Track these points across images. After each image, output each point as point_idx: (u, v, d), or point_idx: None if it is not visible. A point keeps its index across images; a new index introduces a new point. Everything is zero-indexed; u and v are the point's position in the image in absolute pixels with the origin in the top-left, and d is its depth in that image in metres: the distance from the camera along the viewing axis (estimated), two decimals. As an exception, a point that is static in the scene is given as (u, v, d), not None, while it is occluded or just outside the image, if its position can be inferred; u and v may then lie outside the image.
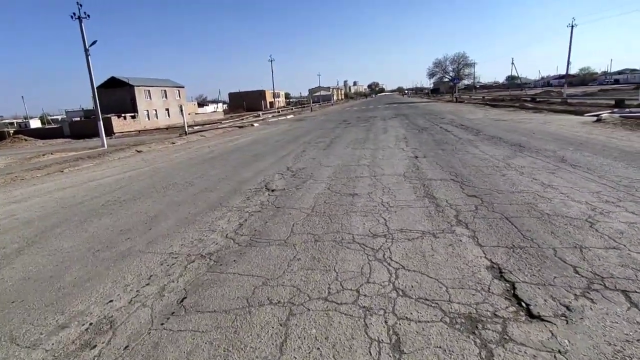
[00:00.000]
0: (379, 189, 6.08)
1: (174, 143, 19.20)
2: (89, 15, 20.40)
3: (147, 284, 3.34)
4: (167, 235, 4.62)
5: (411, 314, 2.59)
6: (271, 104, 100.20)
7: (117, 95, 54.46)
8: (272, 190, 6.55)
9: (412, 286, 2.94)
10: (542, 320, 2.43)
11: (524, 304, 2.62)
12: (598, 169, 6.56)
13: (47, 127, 63.10)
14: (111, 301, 3.10)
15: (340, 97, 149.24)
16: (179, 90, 66.61)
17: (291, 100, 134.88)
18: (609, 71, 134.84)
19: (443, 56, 73.51)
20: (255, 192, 6.53)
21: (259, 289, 3.09)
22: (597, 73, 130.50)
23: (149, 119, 57.34)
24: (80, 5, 19.89)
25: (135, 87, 54.54)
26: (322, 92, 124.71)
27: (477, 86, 55.85)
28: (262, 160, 10.06)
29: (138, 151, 16.90)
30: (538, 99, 40.62)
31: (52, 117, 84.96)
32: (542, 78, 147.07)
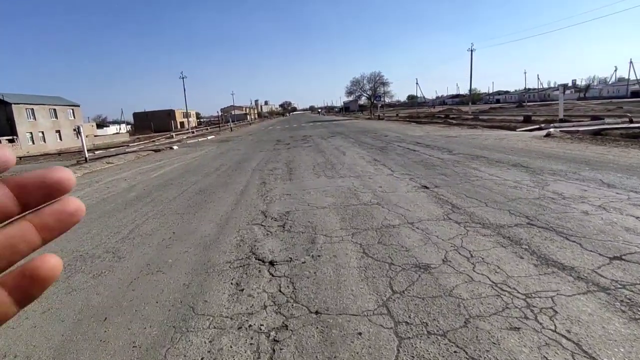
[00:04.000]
0: (449, 250, 3.86)
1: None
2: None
3: None
4: None
5: None
6: (182, 124, 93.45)
7: (-13, 116, 44.72)
8: (272, 264, 3.91)
9: None
10: None
11: None
12: (677, 196, 5.24)
13: None
14: None
15: (254, 117, 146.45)
16: (72, 110, 57.68)
17: (202, 120, 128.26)
18: (489, 92, 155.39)
19: (360, 75, 75.51)
20: (244, 270, 3.82)
21: None
22: (481, 93, 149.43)
23: (33, 142, 48.18)
24: None
25: (13, 105, 45.33)
26: (236, 111, 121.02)
27: (382, 104, 58.13)
28: (216, 200, 7.19)
29: (17, 188, 12.39)
30: (451, 116, 43.17)
31: None
32: (438, 97, 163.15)
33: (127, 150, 27.39)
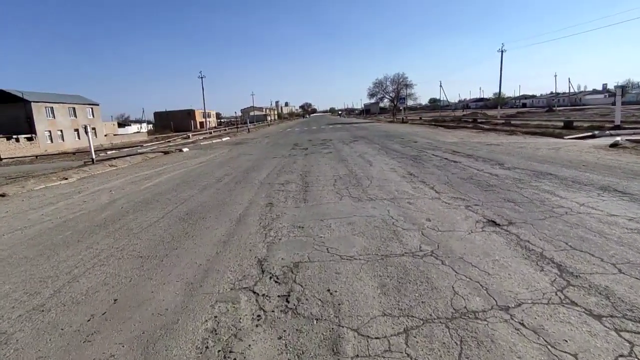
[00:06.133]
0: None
1: (66, 179, 13.24)
2: None
3: None
4: None
5: None
6: (201, 124, 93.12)
7: (7, 113, 44.71)
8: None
9: None
10: None
11: None
12: None
13: None
14: None
15: (273, 118, 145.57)
16: (91, 108, 57.52)
17: (222, 120, 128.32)
18: (514, 96, 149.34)
19: (383, 76, 72.68)
20: None
21: None
22: (507, 97, 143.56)
23: (51, 141, 47.96)
24: None
25: (32, 103, 45.14)
26: (256, 112, 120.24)
27: (402, 108, 55.63)
28: (201, 234, 5.27)
29: (1, 195, 10.90)
30: (479, 120, 40.42)
31: None
32: (461, 101, 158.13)
33: (138, 151, 26.10)
